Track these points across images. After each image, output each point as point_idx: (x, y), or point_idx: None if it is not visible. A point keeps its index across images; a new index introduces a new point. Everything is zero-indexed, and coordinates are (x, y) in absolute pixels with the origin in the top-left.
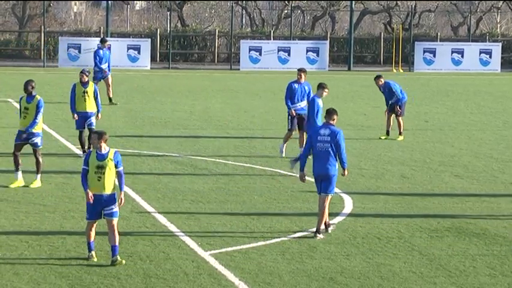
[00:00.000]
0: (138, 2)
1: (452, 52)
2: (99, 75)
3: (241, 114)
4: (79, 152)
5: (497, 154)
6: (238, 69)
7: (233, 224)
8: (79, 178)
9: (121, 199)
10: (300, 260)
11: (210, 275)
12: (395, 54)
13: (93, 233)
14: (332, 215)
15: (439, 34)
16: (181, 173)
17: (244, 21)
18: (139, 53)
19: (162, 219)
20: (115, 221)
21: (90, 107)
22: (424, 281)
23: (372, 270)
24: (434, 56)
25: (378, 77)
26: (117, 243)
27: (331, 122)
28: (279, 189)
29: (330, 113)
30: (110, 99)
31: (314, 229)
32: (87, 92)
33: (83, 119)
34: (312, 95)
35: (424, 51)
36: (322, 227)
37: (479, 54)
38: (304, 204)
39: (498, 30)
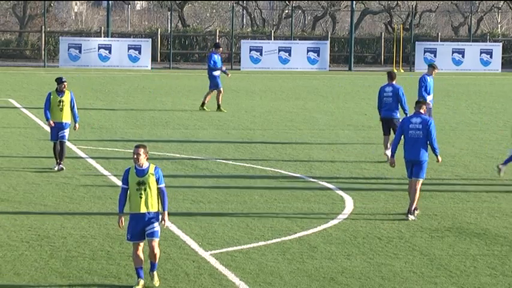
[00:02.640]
0: (138, 2)
1: (453, 52)
2: (218, 83)
3: (241, 114)
4: (80, 152)
5: (498, 154)
6: (239, 69)
7: (234, 224)
8: (79, 178)
9: (163, 220)
10: (301, 260)
11: (211, 275)
12: (396, 54)
13: (140, 257)
14: (333, 215)
15: (439, 34)
16: (181, 173)
17: (245, 21)
18: (140, 53)
19: None
20: (156, 241)
21: (66, 117)
22: (425, 281)
23: (372, 270)
24: (435, 56)
25: (435, 67)
26: (156, 261)
27: (421, 111)
28: (280, 189)
29: (419, 103)
30: (219, 106)
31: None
32: (63, 101)
33: (57, 129)
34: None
35: (425, 51)
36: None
37: (480, 54)
38: (305, 204)
39: (499, 30)
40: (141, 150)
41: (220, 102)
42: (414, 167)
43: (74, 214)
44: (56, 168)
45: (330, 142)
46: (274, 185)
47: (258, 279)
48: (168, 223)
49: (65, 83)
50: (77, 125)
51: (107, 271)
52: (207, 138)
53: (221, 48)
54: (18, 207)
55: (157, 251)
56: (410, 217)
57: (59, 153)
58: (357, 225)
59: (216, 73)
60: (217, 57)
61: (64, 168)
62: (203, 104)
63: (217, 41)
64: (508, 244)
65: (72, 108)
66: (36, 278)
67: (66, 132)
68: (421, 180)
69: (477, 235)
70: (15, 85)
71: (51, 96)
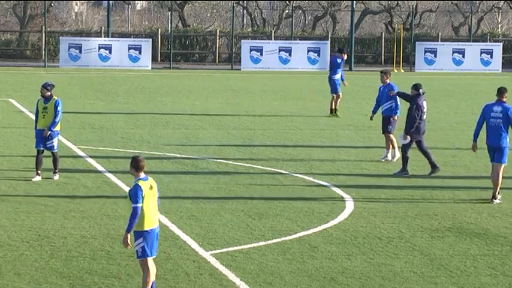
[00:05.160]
0: (139, 2)
1: (453, 52)
2: (336, 88)
3: (242, 114)
4: (80, 152)
5: None
6: (239, 69)
7: (234, 224)
8: (80, 178)
9: (126, 239)
10: (301, 260)
11: (211, 275)
12: (397, 54)
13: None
14: (333, 215)
15: (440, 34)
16: (182, 173)
17: (245, 21)
18: (140, 53)
19: (163, 219)
20: (140, 262)
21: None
22: (425, 281)
23: (373, 270)
24: (435, 56)
25: None
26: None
27: (503, 99)
28: (280, 189)
29: (501, 91)
30: (331, 111)
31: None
32: (46, 108)
33: (40, 137)
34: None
35: (425, 51)
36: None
37: (480, 54)
38: (305, 204)
39: (499, 30)
40: (132, 166)
41: (336, 107)
42: (495, 152)
43: (74, 214)
44: (36, 179)
45: (330, 142)
46: (274, 185)
47: (258, 279)
48: (127, 245)
49: (46, 89)
50: (48, 132)
51: (107, 271)
52: (207, 138)
53: (345, 54)
54: (18, 207)
55: (142, 273)
56: (495, 201)
57: (53, 162)
58: (357, 225)
59: (336, 77)
60: (339, 61)
61: (42, 178)
62: (331, 110)
63: (217, 40)
64: (508, 244)
65: (54, 115)
66: (36, 278)
67: (55, 142)
68: (502, 165)
69: (477, 235)
70: (15, 85)
71: (38, 103)
